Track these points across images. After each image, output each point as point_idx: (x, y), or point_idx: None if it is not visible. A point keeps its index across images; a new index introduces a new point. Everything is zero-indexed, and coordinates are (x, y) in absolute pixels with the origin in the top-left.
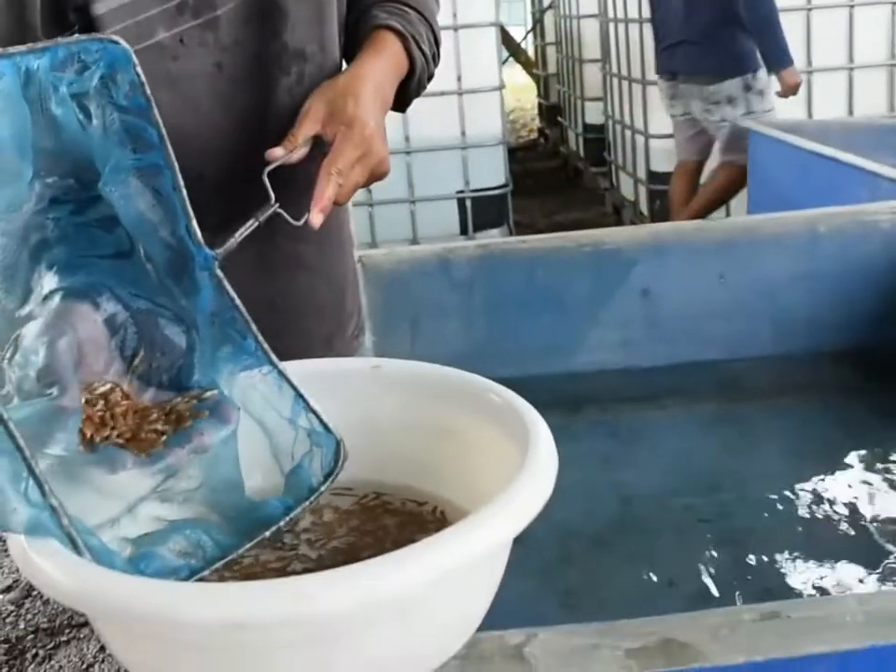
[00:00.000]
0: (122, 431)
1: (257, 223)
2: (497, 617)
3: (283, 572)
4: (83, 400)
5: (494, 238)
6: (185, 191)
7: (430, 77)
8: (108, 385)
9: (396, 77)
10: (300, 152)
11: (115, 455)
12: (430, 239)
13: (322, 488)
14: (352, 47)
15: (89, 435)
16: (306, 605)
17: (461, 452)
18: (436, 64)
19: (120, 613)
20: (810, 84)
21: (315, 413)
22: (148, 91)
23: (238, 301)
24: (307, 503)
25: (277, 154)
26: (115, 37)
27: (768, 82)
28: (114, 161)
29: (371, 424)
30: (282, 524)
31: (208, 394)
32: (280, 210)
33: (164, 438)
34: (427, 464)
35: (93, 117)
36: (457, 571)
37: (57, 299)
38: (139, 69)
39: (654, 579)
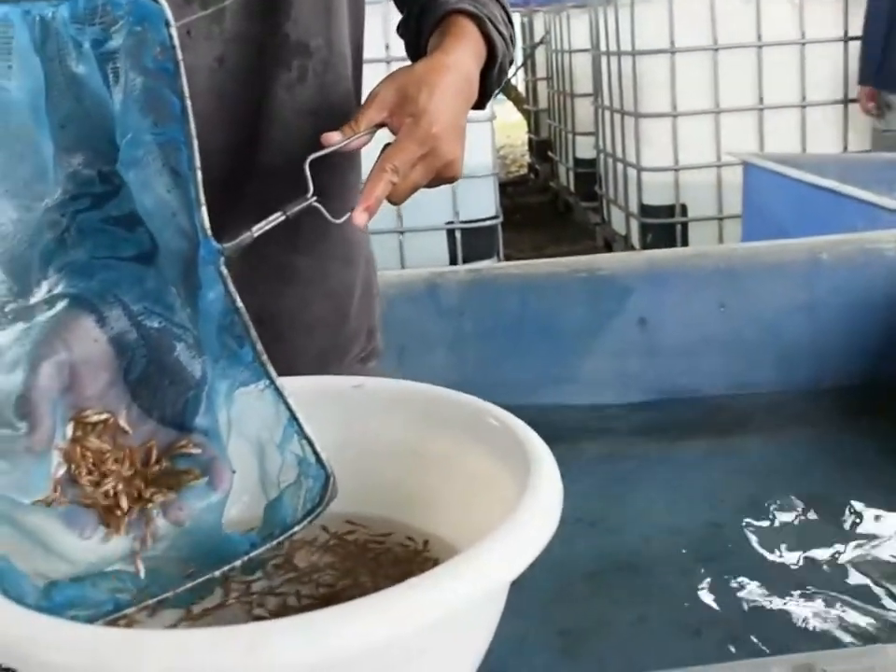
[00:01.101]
0: (96, 489)
1: (284, 216)
2: (495, 661)
3: (248, 616)
4: (69, 433)
5: None
6: (200, 173)
7: (511, 62)
8: (104, 415)
9: (479, 67)
10: (360, 140)
11: (77, 515)
12: None
13: (296, 528)
14: (417, 41)
15: (56, 483)
16: (265, 658)
17: (452, 481)
18: (514, 46)
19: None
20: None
21: (308, 439)
22: (179, 56)
23: (239, 303)
24: (271, 543)
25: (334, 140)
26: None
27: None
28: (132, 134)
29: (349, 449)
30: (237, 563)
31: (205, 452)
32: (317, 204)
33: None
34: (413, 495)
35: (119, 78)
36: (445, 619)
37: (61, 306)
38: (174, 30)
39: (655, 619)
